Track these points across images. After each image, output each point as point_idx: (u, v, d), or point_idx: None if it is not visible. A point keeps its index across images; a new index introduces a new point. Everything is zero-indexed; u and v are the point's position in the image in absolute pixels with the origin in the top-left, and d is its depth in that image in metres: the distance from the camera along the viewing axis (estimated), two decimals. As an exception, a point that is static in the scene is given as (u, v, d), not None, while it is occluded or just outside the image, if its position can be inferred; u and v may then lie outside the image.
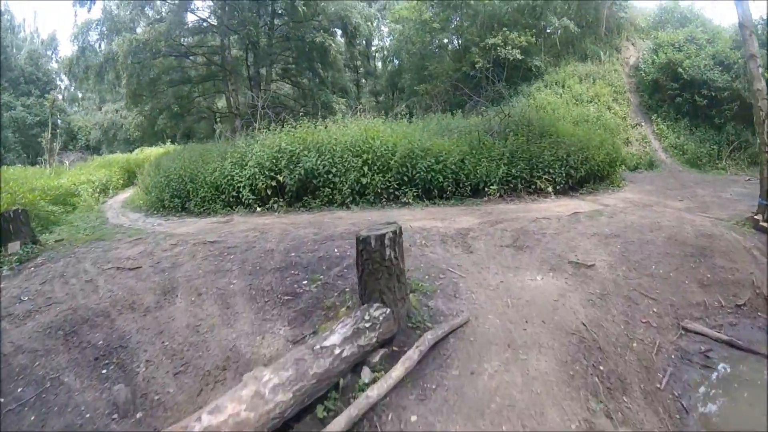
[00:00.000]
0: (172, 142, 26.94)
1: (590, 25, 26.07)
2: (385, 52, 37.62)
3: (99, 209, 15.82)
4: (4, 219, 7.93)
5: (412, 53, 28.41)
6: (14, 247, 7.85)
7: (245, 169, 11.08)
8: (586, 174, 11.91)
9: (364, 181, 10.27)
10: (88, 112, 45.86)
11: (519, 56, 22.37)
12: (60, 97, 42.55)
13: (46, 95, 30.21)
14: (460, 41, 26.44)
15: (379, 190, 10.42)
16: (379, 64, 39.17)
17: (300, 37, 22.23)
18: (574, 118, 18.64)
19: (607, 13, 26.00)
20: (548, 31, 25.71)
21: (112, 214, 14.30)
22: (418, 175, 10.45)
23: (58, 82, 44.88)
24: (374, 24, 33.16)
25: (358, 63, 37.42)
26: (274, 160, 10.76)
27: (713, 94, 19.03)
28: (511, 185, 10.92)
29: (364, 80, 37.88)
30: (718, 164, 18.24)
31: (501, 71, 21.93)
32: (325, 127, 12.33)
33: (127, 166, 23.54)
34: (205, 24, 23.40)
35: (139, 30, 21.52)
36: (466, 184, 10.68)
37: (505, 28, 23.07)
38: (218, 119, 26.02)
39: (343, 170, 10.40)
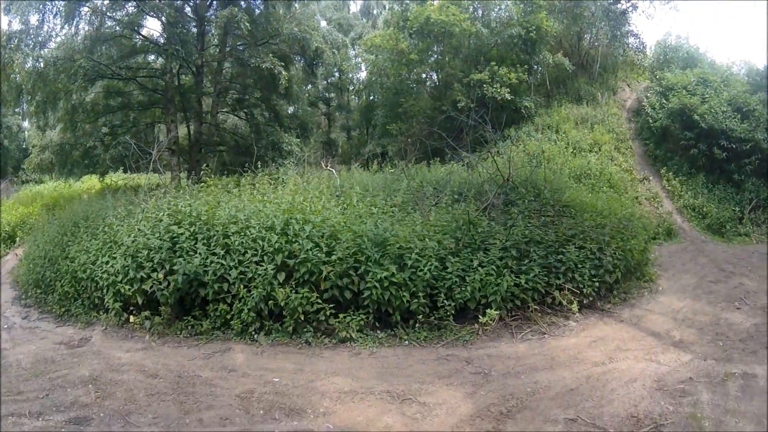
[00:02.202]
0: (103, 174, 23.08)
1: (583, 63, 23.83)
2: (359, 86, 34.69)
3: None
4: None
5: (385, 87, 25.24)
6: None
7: (112, 260, 7.39)
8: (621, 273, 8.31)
9: (279, 297, 6.42)
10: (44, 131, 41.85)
11: (508, 95, 19.46)
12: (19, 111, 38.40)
13: None
14: (440, 76, 23.52)
15: (303, 315, 6.47)
16: (354, 97, 36.25)
17: (245, 61, 18.88)
18: (574, 172, 15.67)
19: (602, 51, 23.71)
20: (538, 68, 23.09)
21: None
22: (368, 290, 6.53)
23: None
24: (344, 53, 30.20)
25: (332, 95, 34.45)
26: (147, 251, 7.05)
27: (733, 146, 16.39)
28: (519, 302, 7.03)
29: (337, 114, 34.78)
30: (740, 229, 15.57)
31: (486, 112, 18.90)
32: (239, 193, 8.78)
33: (54, 202, 19.85)
34: (137, 42, 19.85)
35: (50, 47, 17.93)
36: (447, 303, 6.72)
37: (492, 63, 20.26)
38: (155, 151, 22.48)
39: (247, 278, 6.65)
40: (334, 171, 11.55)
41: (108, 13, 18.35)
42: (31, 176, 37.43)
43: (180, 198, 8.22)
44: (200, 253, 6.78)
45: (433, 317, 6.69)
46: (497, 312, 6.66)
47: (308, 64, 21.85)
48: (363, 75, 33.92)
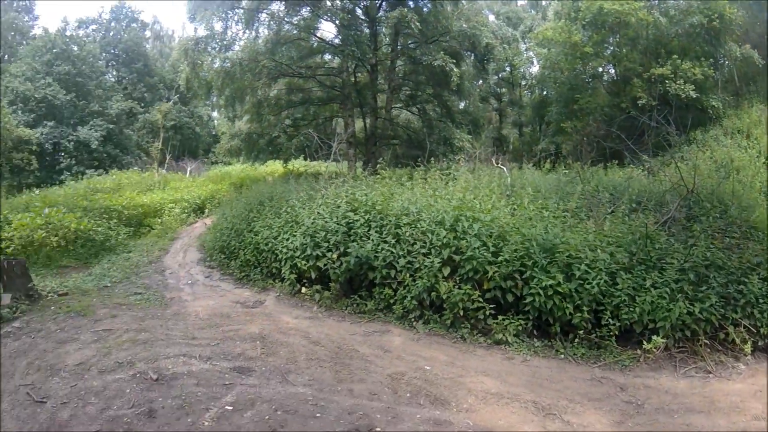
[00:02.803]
0: (286, 161, 25.75)
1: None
2: (531, 81, 33.43)
3: (172, 236, 14.77)
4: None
5: (559, 82, 23.93)
6: (6, 299, 7.09)
7: (292, 238, 8.27)
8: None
9: (441, 290, 6.59)
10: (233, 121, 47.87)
11: (692, 93, 17.50)
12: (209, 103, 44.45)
13: (163, 103, 31.10)
14: (618, 70, 21.77)
15: (463, 311, 6.52)
16: (526, 92, 35.17)
17: (417, 59, 19.33)
18: (765, 186, 13.35)
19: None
20: (724, 62, 20.39)
21: (176, 247, 13.27)
22: (531, 296, 6.29)
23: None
24: (515, 47, 29.41)
25: (503, 90, 33.83)
26: (325, 233, 7.72)
27: None
28: (688, 333, 6.18)
29: (508, 109, 34.10)
30: None
31: (669, 111, 17.06)
32: (412, 186, 9.12)
33: (240, 182, 22.77)
34: (314, 43, 21.52)
35: (235, 50, 20.25)
36: (612, 322, 6.16)
37: (674, 56, 18.34)
38: (330, 143, 24.41)
39: (414, 268, 6.92)
40: (504, 169, 11.42)
41: (285, 18, 19.99)
42: (219, 158, 42.98)
43: (357, 188, 8.80)
44: (372, 240, 7.22)
45: (594, 334, 6.21)
46: (663, 340, 5.98)
47: (479, 60, 21.69)
48: (535, 69, 32.81)
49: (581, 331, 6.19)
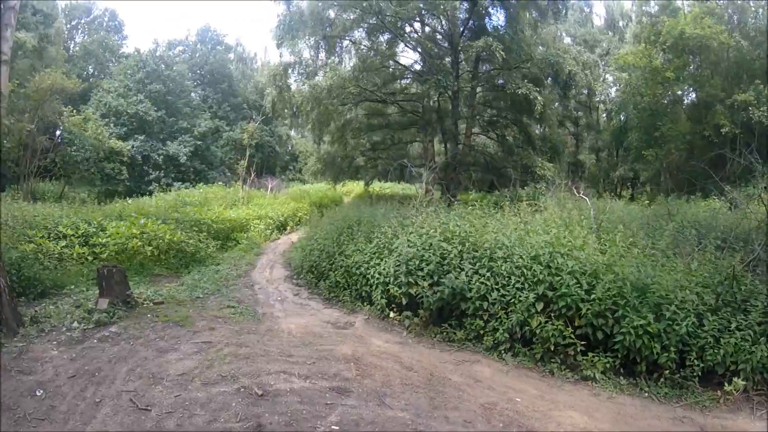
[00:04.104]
0: (367, 183, 26.73)
1: None
2: (610, 105, 32.53)
3: (258, 251, 15.45)
4: (99, 275, 7.70)
5: (640, 108, 23.30)
6: (102, 304, 7.45)
7: (383, 264, 8.60)
8: None
9: (533, 324, 6.68)
10: (309, 139, 49.72)
11: (777, 120, 16.51)
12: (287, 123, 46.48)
13: (248, 123, 32.81)
14: (699, 95, 21.02)
15: (553, 346, 6.60)
16: (603, 116, 34.19)
17: (500, 87, 19.39)
18: None
19: None
20: None
21: (262, 263, 13.89)
22: (621, 335, 6.31)
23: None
24: (594, 72, 28.90)
25: (580, 114, 33.19)
26: (419, 261, 7.94)
27: None
28: (767, 376, 6.10)
29: (585, 134, 33.38)
30: None
31: (751, 138, 16.24)
32: (501, 216, 9.21)
33: (319, 201, 23.61)
34: (394, 70, 22.18)
35: (320, 76, 21.12)
36: (696, 363, 6.12)
37: (757, 81, 17.50)
38: (411, 167, 24.99)
39: (506, 301, 7.03)
40: (587, 199, 11.24)
41: (365, 44, 20.79)
42: (297, 176, 44.76)
43: (450, 219, 9.01)
44: (466, 271, 7.41)
45: (678, 374, 6.18)
46: (744, 383, 5.90)
47: (560, 87, 21.57)
48: (612, 92, 32.18)
49: (667, 371, 6.18)
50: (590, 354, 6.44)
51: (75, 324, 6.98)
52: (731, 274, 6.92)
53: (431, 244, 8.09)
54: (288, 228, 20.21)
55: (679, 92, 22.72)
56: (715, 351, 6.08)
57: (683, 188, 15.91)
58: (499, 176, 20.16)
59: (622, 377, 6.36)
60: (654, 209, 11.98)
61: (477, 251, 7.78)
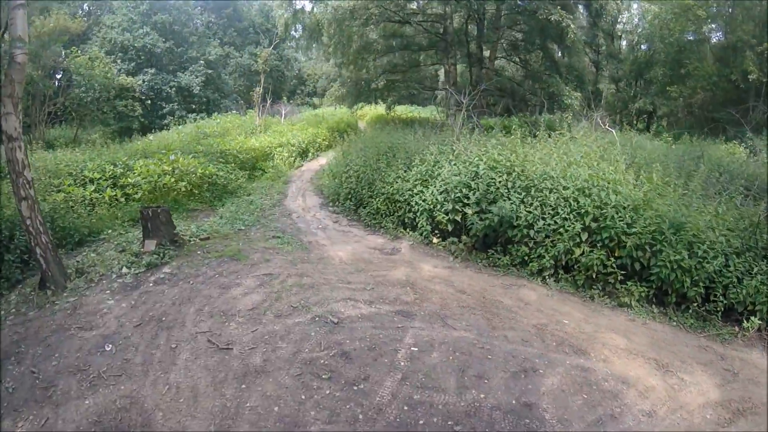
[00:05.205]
0: (389, 107, 26.37)
1: None
2: (634, 36, 31.27)
3: (285, 180, 15.56)
4: (143, 216, 7.50)
5: (667, 42, 22.62)
6: (150, 246, 7.32)
7: (427, 191, 8.92)
8: None
9: (576, 253, 7.13)
10: (318, 61, 48.07)
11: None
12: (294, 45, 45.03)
13: (262, 48, 31.79)
14: (730, 39, 20.28)
15: (595, 273, 7.08)
16: (624, 44, 32.88)
17: (531, 12, 18.71)
18: None
19: None
20: None
21: (293, 191, 13.98)
22: (658, 268, 6.79)
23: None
24: (628, 3, 27.68)
25: (601, 41, 32.04)
26: (465, 189, 8.28)
27: None
28: None
29: (605, 62, 32.35)
30: None
31: None
32: (538, 145, 9.39)
33: (336, 126, 23.47)
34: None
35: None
36: (720, 299, 6.65)
37: None
38: (435, 91, 24.42)
39: (554, 229, 7.41)
40: (613, 132, 11.33)
41: None
42: (304, 100, 43.92)
43: (493, 147, 9.18)
44: (512, 201, 7.74)
45: (703, 308, 6.74)
46: (759, 322, 6.48)
47: (593, 15, 20.81)
48: (637, 22, 30.82)
49: (694, 304, 6.72)
50: (629, 283, 6.93)
51: (125, 269, 6.81)
52: (755, 223, 7.34)
53: (476, 173, 8.38)
54: (309, 155, 20.14)
55: (707, 32, 22.01)
56: (738, 290, 6.59)
57: (703, 128, 15.85)
58: (519, 101, 19.88)
59: (654, 306, 6.90)
60: (684, 149, 12.08)
61: (524, 181, 8.07)
